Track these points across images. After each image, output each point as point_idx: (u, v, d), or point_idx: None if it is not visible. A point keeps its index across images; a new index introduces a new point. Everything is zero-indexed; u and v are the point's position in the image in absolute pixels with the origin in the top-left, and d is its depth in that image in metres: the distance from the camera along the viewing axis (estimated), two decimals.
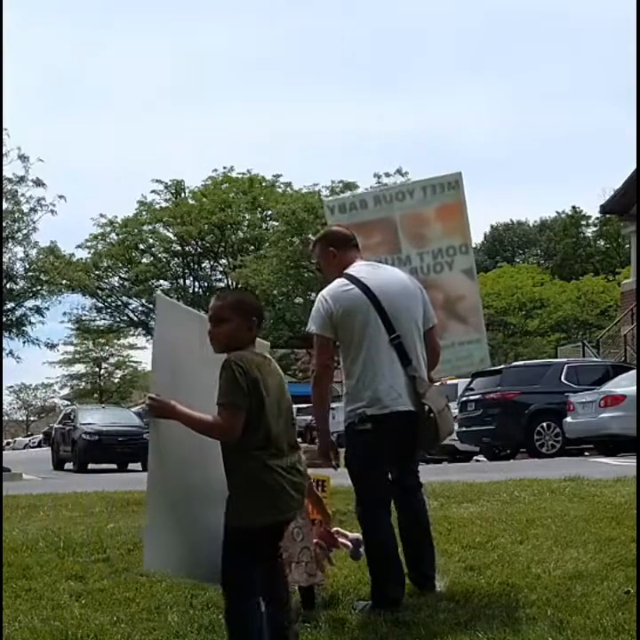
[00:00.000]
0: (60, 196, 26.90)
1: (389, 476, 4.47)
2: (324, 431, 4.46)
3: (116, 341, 57.28)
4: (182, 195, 40.73)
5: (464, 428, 17.58)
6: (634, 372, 15.94)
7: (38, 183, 26.43)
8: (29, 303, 28.40)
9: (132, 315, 42.28)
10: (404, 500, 4.51)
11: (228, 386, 3.27)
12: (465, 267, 5.19)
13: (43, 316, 28.59)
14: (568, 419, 15.76)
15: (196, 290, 41.01)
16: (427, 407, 4.30)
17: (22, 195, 26.78)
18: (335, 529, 4.54)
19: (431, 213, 5.17)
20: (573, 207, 60.55)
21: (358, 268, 4.49)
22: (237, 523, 3.28)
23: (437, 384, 4.65)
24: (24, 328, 27.61)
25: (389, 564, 4.32)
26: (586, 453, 16.11)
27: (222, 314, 3.45)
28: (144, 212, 40.02)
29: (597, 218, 55.81)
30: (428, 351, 4.49)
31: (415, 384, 4.33)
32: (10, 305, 27.44)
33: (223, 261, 39.86)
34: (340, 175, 51.84)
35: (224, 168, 39.98)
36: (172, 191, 40.53)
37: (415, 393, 4.32)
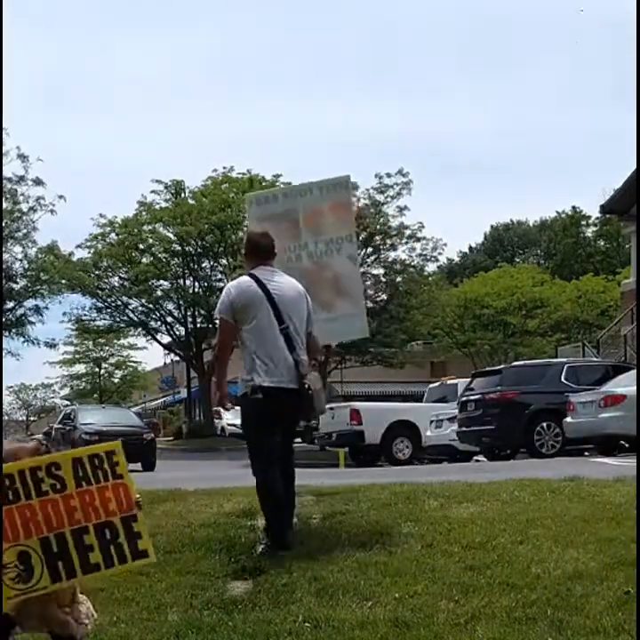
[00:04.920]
0: (60, 196, 26.94)
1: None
2: (222, 382, 5.63)
3: (115, 341, 57.19)
4: (182, 195, 40.63)
5: (464, 428, 17.57)
6: (634, 371, 15.92)
7: (38, 182, 26.44)
8: (29, 303, 28.39)
9: (132, 315, 42.12)
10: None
11: None
12: (350, 253, 6.33)
13: (42, 316, 28.60)
14: (568, 419, 15.74)
15: (196, 290, 40.93)
16: (306, 385, 5.38)
17: (22, 194, 26.79)
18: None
19: (326, 208, 6.24)
20: (573, 207, 60.58)
21: (262, 272, 5.60)
22: None
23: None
24: (24, 328, 27.61)
25: (280, 510, 5.35)
26: (586, 453, 16.10)
27: None
28: (144, 212, 39.90)
29: (597, 218, 55.81)
30: (309, 346, 5.61)
31: (298, 366, 5.41)
32: (10, 304, 27.42)
33: (223, 261, 39.75)
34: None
35: (224, 168, 39.91)
36: (172, 191, 40.42)
37: (298, 373, 5.40)
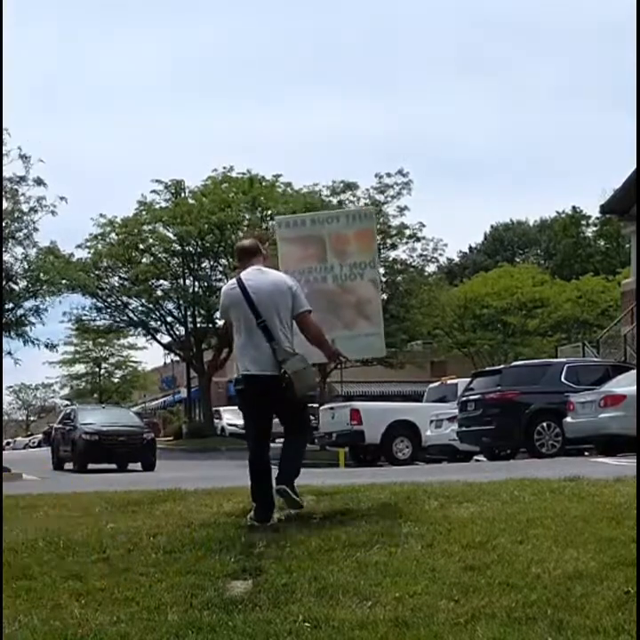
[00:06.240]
0: (62, 198, 26.78)
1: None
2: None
3: (115, 341, 57.18)
4: (182, 195, 40.60)
5: (464, 428, 17.57)
6: (634, 371, 15.93)
7: (39, 182, 26.36)
8: (29, 304, 28.30)
9: (131, 315, 42.11)
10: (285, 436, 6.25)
11: None
12: (372, 277, 6.78)
13: (42, 318, 28.46)
14: (568, 419, 15.74)
15: (196, 290, 40.92)
16: (282, 370, 5.93)
17: (22, 194, 26.72)
18: None
19: (351, 235, 6.71)
20: (573, 207, 60.57)
21: (246, 272, 6.23)
22: None
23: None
24: (24, 328, 27.53)
25: (255, 480, 6.06)
26: (586, 453, 16.09)
27: None
28: (144, 212, 39.86)
29: (597, 218, 55.80)
30: (304, 331, 6.15)
31: (275, 354, 5.96)
32: (9, 305, 27.37)
33: (223, 261, 39.72)
34: (340, 175, 51.78)
35: (224, 168, 39.87)
36: (172, 191, 40.39)
37: (276, 360, 5.96)
